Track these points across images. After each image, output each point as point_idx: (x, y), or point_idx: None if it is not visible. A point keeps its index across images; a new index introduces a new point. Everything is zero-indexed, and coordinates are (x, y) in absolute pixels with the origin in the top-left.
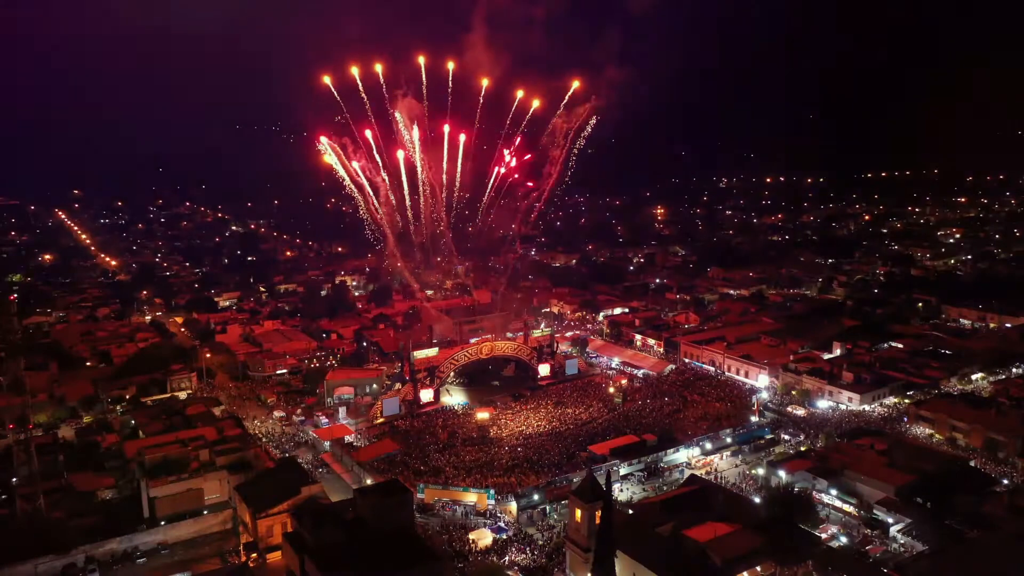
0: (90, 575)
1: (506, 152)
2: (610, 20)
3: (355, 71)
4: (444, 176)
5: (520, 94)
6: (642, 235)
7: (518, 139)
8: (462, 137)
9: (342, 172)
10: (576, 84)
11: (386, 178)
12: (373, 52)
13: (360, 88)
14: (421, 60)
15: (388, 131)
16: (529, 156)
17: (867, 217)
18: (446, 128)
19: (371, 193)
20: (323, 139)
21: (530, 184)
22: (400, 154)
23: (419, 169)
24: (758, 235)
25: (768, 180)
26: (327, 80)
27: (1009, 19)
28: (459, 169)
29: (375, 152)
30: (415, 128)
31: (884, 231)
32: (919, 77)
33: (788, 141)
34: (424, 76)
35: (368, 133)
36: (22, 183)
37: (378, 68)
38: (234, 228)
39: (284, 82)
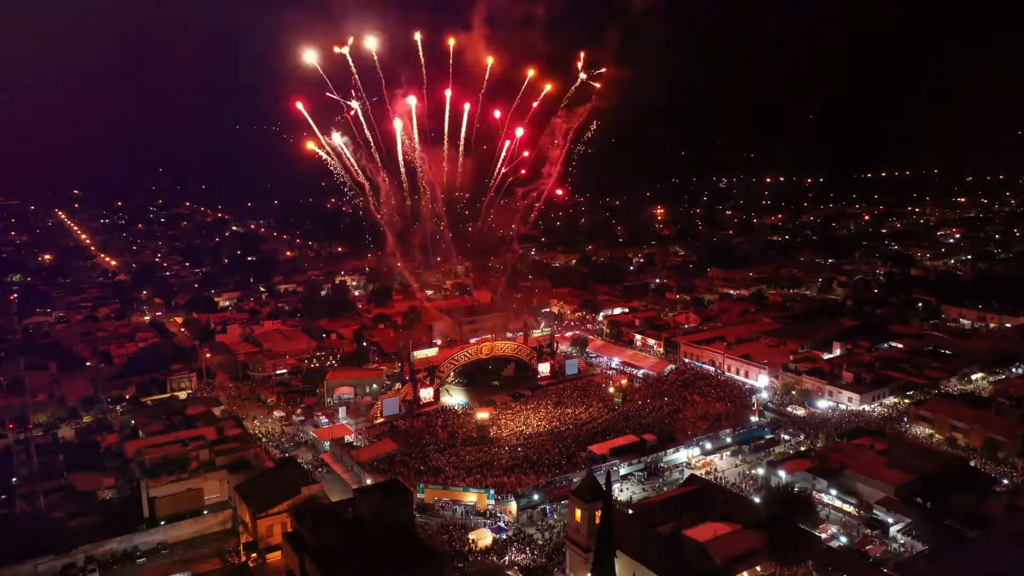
0: (90, 575)
1: (518, 129)
2: (610, 18)
3: (346, 49)
4: (445, 152)
5: (531, 73)
6: (642, 235)
7: (537, 103)
8: (466, 106)
9: (330, 158)
10: (582, 75)
11: (386, 178)
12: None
13: (353, 70)
14: (418, 37)
15: (382, 114)
16: (564, 138)
17: (867, 217)
18: (447, 94)
19: (358, 172)
20: (299, 105)
21: (559, 192)
22: (398, 124)
23: (418, 171)
24: (758, 235)
25: (768, 180)
26: (313, 59)
27: (1010, 18)
28: (462, 143)
29: (374, 150)
30: (415, 130)
31: (884, 231)
32: (919, 77)
33: (788, 141)
34: (422, 55)
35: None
36: (22, 183)
37: (373, 47)
38: (234, 228)
39: (281, 79)
